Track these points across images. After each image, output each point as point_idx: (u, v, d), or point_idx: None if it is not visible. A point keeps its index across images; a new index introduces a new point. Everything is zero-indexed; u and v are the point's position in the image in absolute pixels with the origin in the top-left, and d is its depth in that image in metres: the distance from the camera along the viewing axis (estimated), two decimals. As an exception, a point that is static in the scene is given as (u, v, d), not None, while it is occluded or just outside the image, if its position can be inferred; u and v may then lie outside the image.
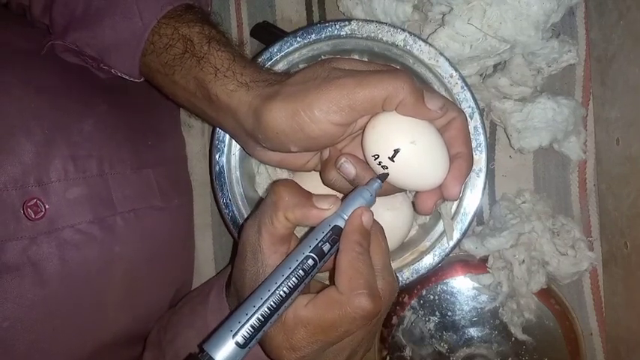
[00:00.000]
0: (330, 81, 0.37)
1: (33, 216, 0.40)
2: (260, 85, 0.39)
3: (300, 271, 0.35)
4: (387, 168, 0.39)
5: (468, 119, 0.46)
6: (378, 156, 0.38)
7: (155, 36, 0.42)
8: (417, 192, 0.41)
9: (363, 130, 0.39)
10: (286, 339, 0.35)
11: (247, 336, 0.33)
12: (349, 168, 0.40)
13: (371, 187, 0.38)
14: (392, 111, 0.38)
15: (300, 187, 0.38)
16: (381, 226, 0.39)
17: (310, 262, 0.35)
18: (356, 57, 0.48)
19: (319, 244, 0.36)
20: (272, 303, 0.34)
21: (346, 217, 0.37)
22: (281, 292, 0.34)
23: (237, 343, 0.32)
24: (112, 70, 0.45)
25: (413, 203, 0.46)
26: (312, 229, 0.37)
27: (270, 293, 0.34)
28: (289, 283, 0.34)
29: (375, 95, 0.36)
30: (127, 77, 0.46)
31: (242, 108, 0.39)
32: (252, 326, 0.33)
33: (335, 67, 0.39)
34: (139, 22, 0.42)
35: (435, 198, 0.40)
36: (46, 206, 0.40)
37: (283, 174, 0.52)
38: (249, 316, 0.33)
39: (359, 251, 0.36)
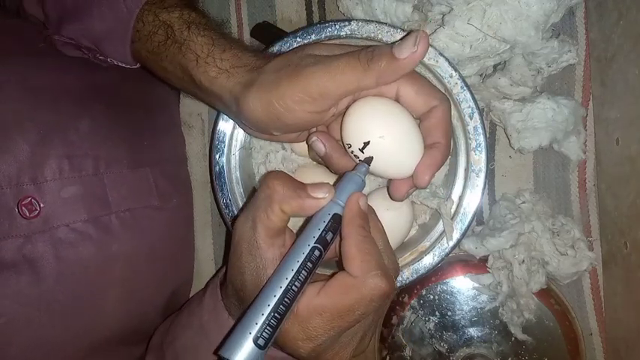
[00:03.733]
0: (301, 70, 0.37)
1: (28, 214, 0.40)
2: (239, 72, 0.39)
3: (309, 264, 0.35)
4: (357, 158, 0.40)
5: (467, 119, 0.46)
6: (351, 145, 0.40)
7: (139, 23, 0.42)
8: (390, 179, 0.42)
9: (343, 115, 0.40)
10: (301, 330, 0.35)
11: (267, 336, 0.32)
12: (319, 146, 0.41)
13: (360, 172, 0.39)
14: (373, 97, 0.38)
15: (292, 177, 0.38)
16: (372, 208, 0.40)
17: (317, 252, 0.35)
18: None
19: (323, 234, 0.35)
20: (286, 299, 0.33)
21: (342, 204, 0.37)
22: (293, 287, 0.34)
23: (257, 345, 0.31)
24: (109, 60, 0.46)
25: (388, 188, 0.46)
26: (307, 219, 0.37)
27: (282, 289, 0.33)
28: (300, 277, 0.34)
29: (345, 82, 0.36)
30: (123, 65, 0.46)
31: (225, 95, 0.39)
32: (270, 325, 0.32)
33: (308, 53, 0.38)
34: (124, 9, 0.42)
35: (407, 186, 0.40)
36: (41, 205, 0.40)
37: (283, 174, 0.52)
38: (265, 315, 0.32)
39: (364, 234, 0.36)
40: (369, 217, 0.38)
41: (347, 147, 0.40)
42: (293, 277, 0.34)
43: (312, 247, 0.35)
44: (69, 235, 0.42)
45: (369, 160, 0.39)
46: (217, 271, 0.56)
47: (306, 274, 0.34)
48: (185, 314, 0.48)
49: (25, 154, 0.40)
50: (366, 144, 0.39)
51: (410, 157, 0.39)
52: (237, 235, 0.38)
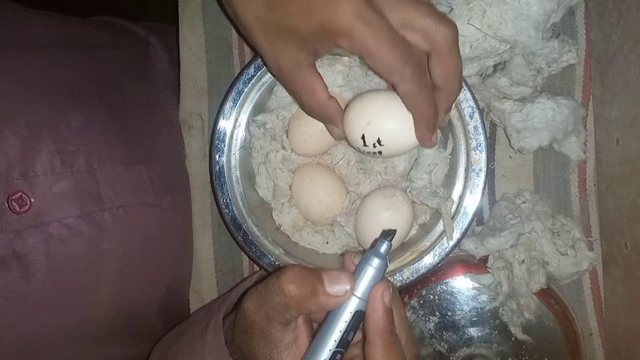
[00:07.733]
0: None
1: (18, 209, 0.40)
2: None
3: None
4: (369, 153, 0.43)
5: (468, 119, 0.46)
6: (360, 146, 0.43)
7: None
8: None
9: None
10: None
11: None
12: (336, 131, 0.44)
13: (379, 253, 0.35)
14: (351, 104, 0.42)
15: (306, 270, 0.35)
16: (395, 288, 0.37)
17: (338, 357, 0.33)
18: (355, 58, 0.48)
19: (344, 336, 0.33)
20: None
21: (363, 298, 0.34)
22: None
23: None
24: None
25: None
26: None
27: None
28: None
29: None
30: None
31: None
32: None
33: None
34: None
35: (430, 133, 0.42)
36: (32, 200, 0.40)
37: (283, 174, 0.52)
38: None
39: (391, 341, 0.34)
40: (393, 308, 0.35)
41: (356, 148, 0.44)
42: None
43: (334, 352, 0.33)
44: (60, 231, 0.41)
45: (389, 234, 0.36)
46: (218, 298, 0.55)
47: None
48: (186, 344, 0.47)
49: (14, 149, 0.40)
50: (363, 137, 0.42)
51: (410, 128, 0.42)
52: (249, 320, 0.36)
